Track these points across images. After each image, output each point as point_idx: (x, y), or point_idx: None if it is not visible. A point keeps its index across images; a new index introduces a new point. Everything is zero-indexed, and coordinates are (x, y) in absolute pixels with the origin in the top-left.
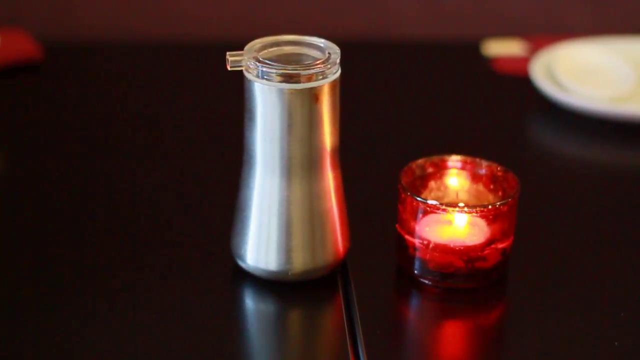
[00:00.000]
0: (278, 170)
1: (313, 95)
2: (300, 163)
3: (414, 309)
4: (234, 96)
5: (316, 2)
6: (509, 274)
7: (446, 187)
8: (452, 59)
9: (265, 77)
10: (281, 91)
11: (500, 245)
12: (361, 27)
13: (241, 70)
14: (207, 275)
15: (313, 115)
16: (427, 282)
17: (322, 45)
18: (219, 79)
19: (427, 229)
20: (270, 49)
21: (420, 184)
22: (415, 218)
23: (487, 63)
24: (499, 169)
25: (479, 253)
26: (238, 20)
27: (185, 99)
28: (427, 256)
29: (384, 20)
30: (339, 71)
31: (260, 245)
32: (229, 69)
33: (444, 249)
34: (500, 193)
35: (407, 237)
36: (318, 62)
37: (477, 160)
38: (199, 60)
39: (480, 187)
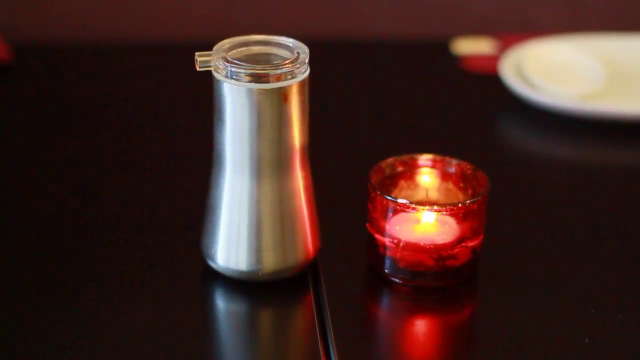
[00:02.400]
0: (248, 170)
1: (282, 95)
2: (270, 163)
3: (385, 308)
4: (203, 96)
5: (285, 2)
6: (479, 272)
7: (416, 186)
8: (421, 57)
9: (234, 77)
10: (250, 91)
11: (470, 244)
12: (330, 26)
13: (210, 71)
14: (178, 276)
15: (282, 115)
16: (397, 280)
17: (290, 45)
18: (187, 79)
19: (397, 227)
20: (239, 49)
21: (390, 182)
22: (385, 217)
23: (457, 62)
24: (468, 167)
25: (449, 251)
26: (207, 21)
27: (155, 99)
28: (398, 255)
29: (353, 19)
30: (308, 71)
31: (231, 246)
32: (197, 69)
33: (414, 248)
34: (470, 191)
35: (377, 236)
36: (287, 61)
37: (447, 158)
38: (167, 61)
39: (450, 185)
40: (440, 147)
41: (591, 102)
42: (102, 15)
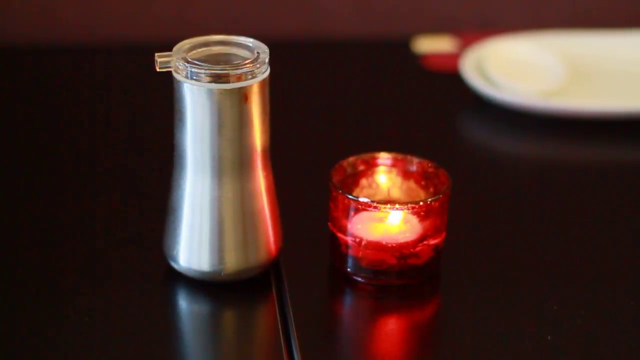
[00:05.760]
0: (209, 170)
1: (242, 95)
2: (231, 163)
3: (348, 307)
4: (164, 97)
5: (244, 2)
6: (441, 270)
7: (377, 185)
8: (382, 56)
9: (194, 77)
10: (210, 91)
11: (432, 242)
12: (290, 26)
13: (170, 71)
14: (140, 278)
15: (243, 115)
16: (360, 279)
17: (250, 44)
18: (147, 80)
19: (359, 226)
20: (199, 49)
21: (351, 181)
22: (347, 216)
23: (418, 60)
24: (429, 165)
25: (412, 250)
26: (166, 21)
27: (114, 100)
28: (360, 254)
29: (313, 18)
30: (268, 70)
31: (193, 246)
32: (157, 70)
33: (376, 247)
34: (431, 189)
35: (339, 235)
36: (247, 61)
37: (408, 157)
38: (127, 62)
39: (412, 184)
40: (401, 146)
41: (552, 99)
42: (57, 17)
